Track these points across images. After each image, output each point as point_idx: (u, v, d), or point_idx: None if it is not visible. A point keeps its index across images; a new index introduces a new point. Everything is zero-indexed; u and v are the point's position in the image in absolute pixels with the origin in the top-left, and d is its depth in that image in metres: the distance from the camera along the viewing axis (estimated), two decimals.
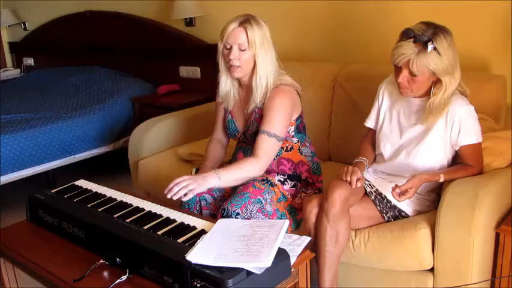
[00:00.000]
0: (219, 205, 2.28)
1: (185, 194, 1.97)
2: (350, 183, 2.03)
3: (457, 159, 2.14)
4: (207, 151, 2.48)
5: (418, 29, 1.93)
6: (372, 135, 2.34)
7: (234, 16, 2.22)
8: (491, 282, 2.11)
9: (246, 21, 2.16)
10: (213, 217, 2.23)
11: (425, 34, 1.91)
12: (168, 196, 1.96)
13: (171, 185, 1.98)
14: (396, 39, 1.99)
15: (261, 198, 2.14)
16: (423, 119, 2.06)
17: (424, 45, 1.90)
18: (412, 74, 1.96)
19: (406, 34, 1.94)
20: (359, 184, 2.04)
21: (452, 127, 2.04)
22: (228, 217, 2.07)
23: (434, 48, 1.90)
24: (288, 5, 3.41)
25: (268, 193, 2.18)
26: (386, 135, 2.21)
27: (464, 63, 2.69)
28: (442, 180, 2.05)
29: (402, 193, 1.98)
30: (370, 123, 2.32)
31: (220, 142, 2.52)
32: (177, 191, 1.95)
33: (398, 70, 2.00)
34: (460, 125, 2.02)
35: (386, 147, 2.21)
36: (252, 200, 2.11)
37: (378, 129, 2.27)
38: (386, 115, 2.23)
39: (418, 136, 2.11)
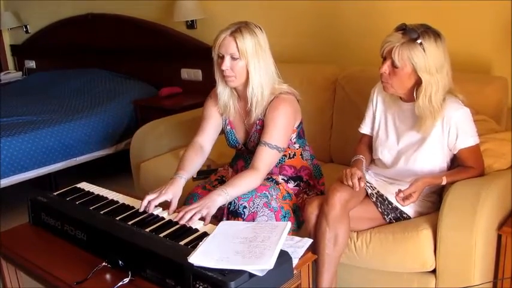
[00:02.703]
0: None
1: (202, 219, 1.91)
2: (353, 187, 2.02)
3: (456, 162, 2.14)
4: (186, 159, 2.26)
5: (411, 25, 1.96)
6: (367, 140, 2.32)
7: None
8: (493, 284, 2.11)
9: (236, 30, 2.11)
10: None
11: (416, 30, 1.92)
12: (182, 222, 1.87)
13: (181, 213, 1.91)
14: None
15: (267, 193, 2.14)
16: (418, 126, 2.05)
17: (412, 39, 1.91)
18: (394, 65, 1.96)
19: (399, 26, 1.97)
20: (362, 184, 2.03)
21: (449, 132, 2.03)
22: (235, 211, 2.08)
23: (421, 44, 1.90)
24: (286, 6, 3.42)
25: (273, 190, 2.19)
26: (384, 141, 2.21)
27: (465, 65, 2.71)
28: (444, 183, 2.04)
29: (406, 197, 1.98)
30: (365, 129, 2.30)
31: (202, 149, 2.32)
32: (191, 217, 1.89)
33: (383, 61, 2.01)
34: (457, 129, 2.02)
35: (384, 153, 2.21)
36: (259, 194, 2.12)
37: (374, 136, 2.26)
38: (381, 120, 2.22)
39: (416, 142, 2.10)
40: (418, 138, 2.09)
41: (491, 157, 2.17)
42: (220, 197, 2.01)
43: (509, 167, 2.20)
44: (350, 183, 2.02)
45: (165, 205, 2.05)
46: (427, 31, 1.93)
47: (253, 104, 2.18)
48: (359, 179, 2.03)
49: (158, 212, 2.00)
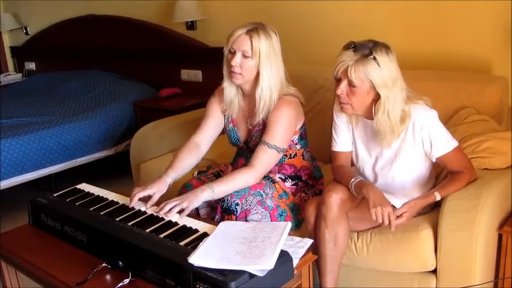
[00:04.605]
0: (213, 205, 2.28)
1: (180, 212, 1.96)
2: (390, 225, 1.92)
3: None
4: (178, 158, 2.27)
5: (359, 42, 1.91)
6: (344, 157, 2.20)
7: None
8: (494, 284, 2.11)
9: (253, 29, 2.12)
10: (212, 209, 2.25)
11: (367, 45, 1.88)
12: (161, 214, 1.94)
13: (162, 205, 1.97)
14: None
15: (261, 191, 2.15)
16: (382, 142, 2.01)
17: (364, 55, 1.87)
18: (351, 84, 1.91)
19: (347, 45, 1.92)
20: (403, 220, 1.94)
21: (422, 140, 1.98)
22: (228, 208, 2.08)
23: (374, 58, 1.86)
24: (286, 7, 3.42)
25: (269, 188, 2.19)
26: (361, 159, 2.17)
27: (465, 64, 2.71)
28: (438, 198, 1.99)
29: (397, 217, 1.93)
30: (339, 146, 2.19)
31: (198, 148, 2.33)
32: (170, 209, 1.94)
33: (338, 83, 1.95)
34: (430, 137, 1.97)
35: (363, 172, 2.18)
36: (252, 192, 2.12)
37: (353, 155, 2.20)
38: (353, 139, 2.17)
39: (390, 159, 2.07)
40: (392, 153, 2.06)
41: (492, 154, 2.17)
42: (204, 192, 2.04)
43: (509, 166, 2.20)
44: (387, 222, 1.91)
45: (147, 200, 2.09)
46: (377, 45, 1.89)
47: (260, 106, 2.19)
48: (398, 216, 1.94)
49: (141, 206, 2.04)
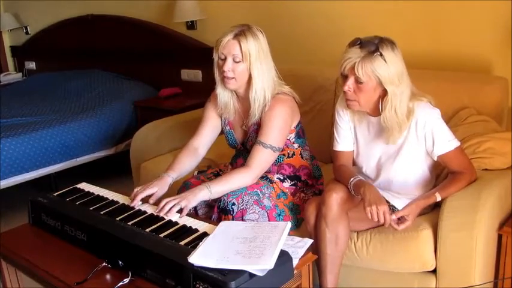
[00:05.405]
0: (211, 204, 2.28)
1: (180, 212, 1.97)
2: (384, 223, 1.93)
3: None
4: (177, 160, 2.30)
5: (365, 38, 1.91)
6: (346, 157, 2.21)
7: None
8: (494, 284, 2.11)
9: (240, 33, 2.12)
10: (210, 209, 2.24)
11: (373, 41, 1.89)
12: (161, 214, 1.94)
13: (162, 204, 1.98)
14: None
15: (258, 191, 2.15)
16: (386, 138, 2.02)
17: (371, 51, 1.87)
18: (358, 81, 1.91)
19: (353, 42, 1.93)
20: (409, 223, 1.95)
21: (425, 137, 1.99)
22: (224, 208, 2.09)
23: (381, 55, 1.86)
24: (286, 7, 3.42)
25: (267, 188, 2.19)
26: (362, 157, 2.18)
27: (465, 65, 2.72)
28: (439, 199, 1.99)
29: (401, 221, 1.94)
30: (341, 146, 2.20)
31: (196, 151, 2.36)
32: (170, 209, 1.95)
33: (344, 79, 1.96)
34: (432, 135, 1.97)
35: (365, 169, 2.18)
36: (249, 191, 2.12)
37: (354, 153, 2.21)
38: (355, 136, 2.18)
39: (392, 154, 2.07)
40: (394, 150, 2.06)
41: (493, 155, 2.17)
42: (202, 192, 2.05)
43: (509, 167, 2.20)
44: (382, 220, 1.92)
45: (147, 200, 2.09)
46: (382, 41, 1.90)
47: (255, 108, 2.19)
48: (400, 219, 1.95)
49: (142, 206, 2.04)
